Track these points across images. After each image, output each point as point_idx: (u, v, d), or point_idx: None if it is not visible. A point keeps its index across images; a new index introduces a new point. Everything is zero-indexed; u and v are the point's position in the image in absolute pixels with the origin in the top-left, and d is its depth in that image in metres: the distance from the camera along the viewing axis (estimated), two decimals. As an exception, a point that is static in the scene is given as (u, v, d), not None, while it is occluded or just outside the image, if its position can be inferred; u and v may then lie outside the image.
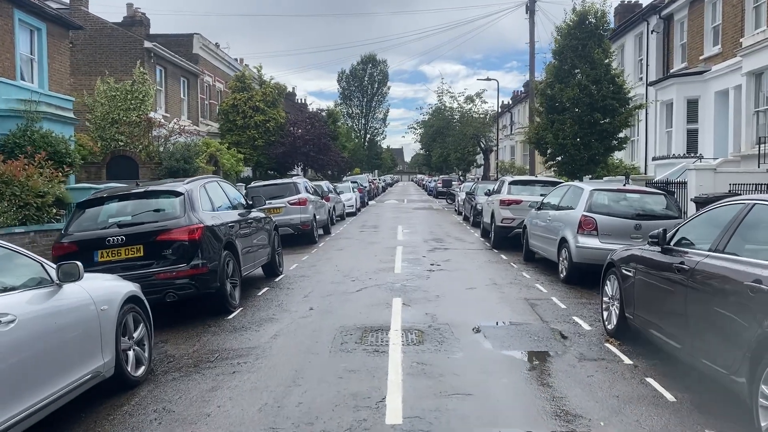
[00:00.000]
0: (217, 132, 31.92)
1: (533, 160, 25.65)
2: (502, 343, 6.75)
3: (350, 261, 13.19)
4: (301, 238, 16.58)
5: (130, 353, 5.59)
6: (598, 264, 9.45)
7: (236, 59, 39.76)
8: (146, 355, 5.86)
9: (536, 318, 7.91)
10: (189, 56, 30.82)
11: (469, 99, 39.45)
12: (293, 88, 61.76)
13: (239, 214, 9.64)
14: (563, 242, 10.35)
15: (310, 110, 45.84)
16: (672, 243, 5.75)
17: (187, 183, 8.53)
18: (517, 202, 14.61)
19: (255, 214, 10.47)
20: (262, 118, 30.97)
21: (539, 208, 12.33)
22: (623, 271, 6.61)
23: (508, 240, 14.81)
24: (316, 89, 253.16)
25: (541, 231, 11.80)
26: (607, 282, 7.17)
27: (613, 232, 9.71)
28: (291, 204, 16.30)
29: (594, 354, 6.34)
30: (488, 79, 39.10)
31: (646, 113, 23.42)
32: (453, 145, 41.59)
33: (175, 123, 22.28)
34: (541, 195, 14.23)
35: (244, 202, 10.42)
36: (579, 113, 18.13)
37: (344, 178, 41.16)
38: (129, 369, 5.46)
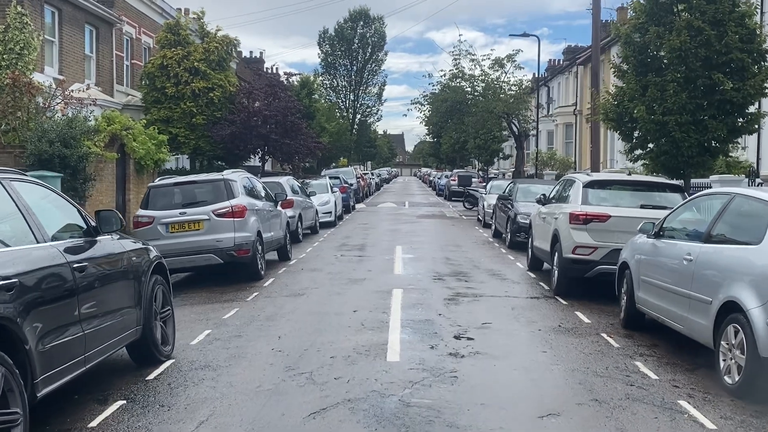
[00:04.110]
0: (141, 105, 28.10)
1: (597, 148, 21.58)
2: None
3: (307, 325, 9.21)
4: (236, 270, 12.83)
5: None
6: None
7: (179, 10, 35.95)
8: None
9: None
10: (100, -5, 27.09)
11: (498, 64, 35.44)
12: (261, 53, 58.46)
13: (66, 250, 5.89)
14: (732, 312, 6.42)
15: (279, 79, 42.04)
16: None
17: None
18: (602, 219, 10.76)
19: (105, 245, 6.73)
20: (204, 84, 27.14)
21: (658, 235, 8.38)
22: None
23: (581, 282, 11.00)
24: (298, 60, 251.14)
25: (666, 280, 7.87)
26: None
27: None
28: (218, 215, 12.53)
29: None
30: (525, 35, 35.14)
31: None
32: (473, 127, 37.58)
33: (57, 87, 18.45)
34: (642, 206, 10.77)
35: (84, 224, 6.62)
36: (686, 72, 14.07)
37: (323, 172, 37.38)
38: None
